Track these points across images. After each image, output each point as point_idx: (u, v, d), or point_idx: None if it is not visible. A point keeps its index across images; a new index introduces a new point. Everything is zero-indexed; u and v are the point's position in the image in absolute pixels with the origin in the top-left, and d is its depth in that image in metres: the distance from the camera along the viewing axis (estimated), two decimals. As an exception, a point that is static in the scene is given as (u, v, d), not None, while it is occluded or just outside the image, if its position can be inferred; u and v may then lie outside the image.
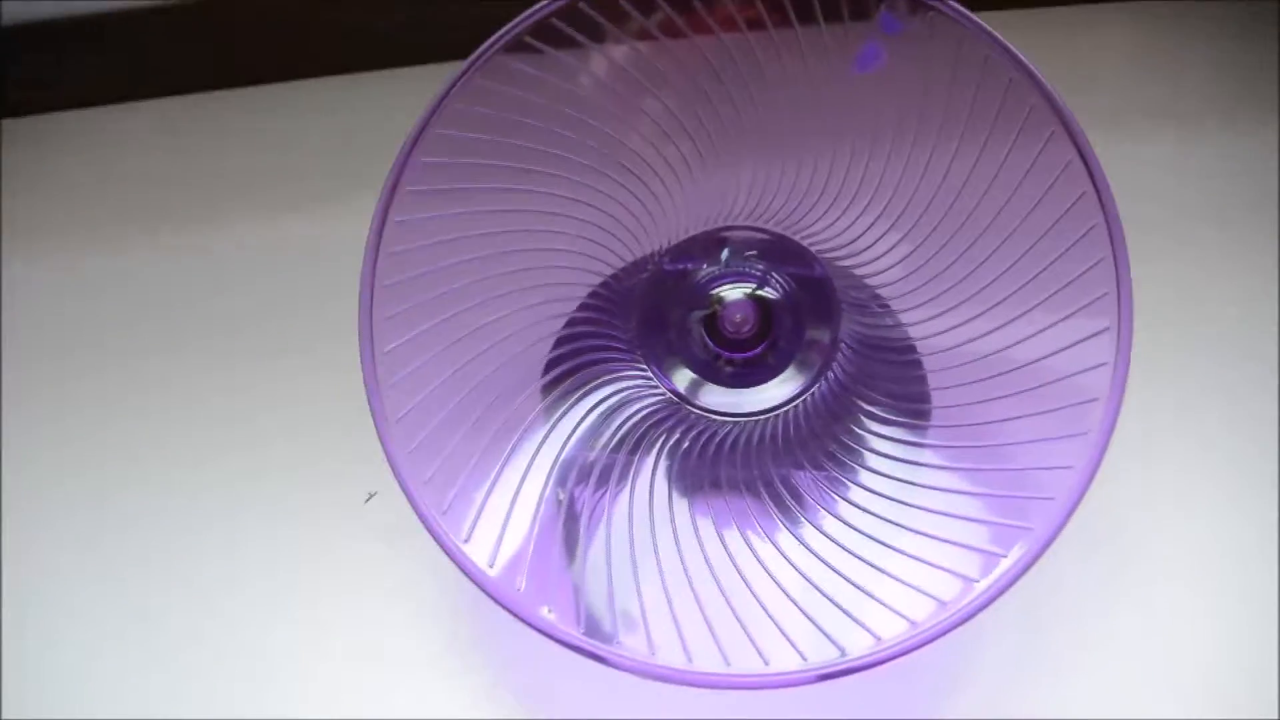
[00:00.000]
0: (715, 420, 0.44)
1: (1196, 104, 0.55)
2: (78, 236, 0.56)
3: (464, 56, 0.39)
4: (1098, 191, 0.38)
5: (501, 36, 0.39)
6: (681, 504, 0.42)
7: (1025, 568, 0.37)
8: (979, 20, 0.38)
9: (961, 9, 0.38)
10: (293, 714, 0.46)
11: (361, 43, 0.57)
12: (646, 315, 0.44)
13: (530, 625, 0.38)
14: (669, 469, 0.42)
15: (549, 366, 0.43)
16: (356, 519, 0.48)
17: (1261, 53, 0.55)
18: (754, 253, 0.44)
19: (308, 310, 0.52)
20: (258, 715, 0.46)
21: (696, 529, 0.41)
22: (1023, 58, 0.38)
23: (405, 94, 0.41)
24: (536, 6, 0.39)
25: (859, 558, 0.39)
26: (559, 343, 0.43)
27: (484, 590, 0.38)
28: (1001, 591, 0.37)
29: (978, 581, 0.37)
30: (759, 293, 0.44)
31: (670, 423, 0.43)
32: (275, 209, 0.56)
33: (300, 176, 0.56)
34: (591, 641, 0.38)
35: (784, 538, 0.41)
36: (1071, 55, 0.56)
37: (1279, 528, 0.46)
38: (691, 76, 0.41)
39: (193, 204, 0.56)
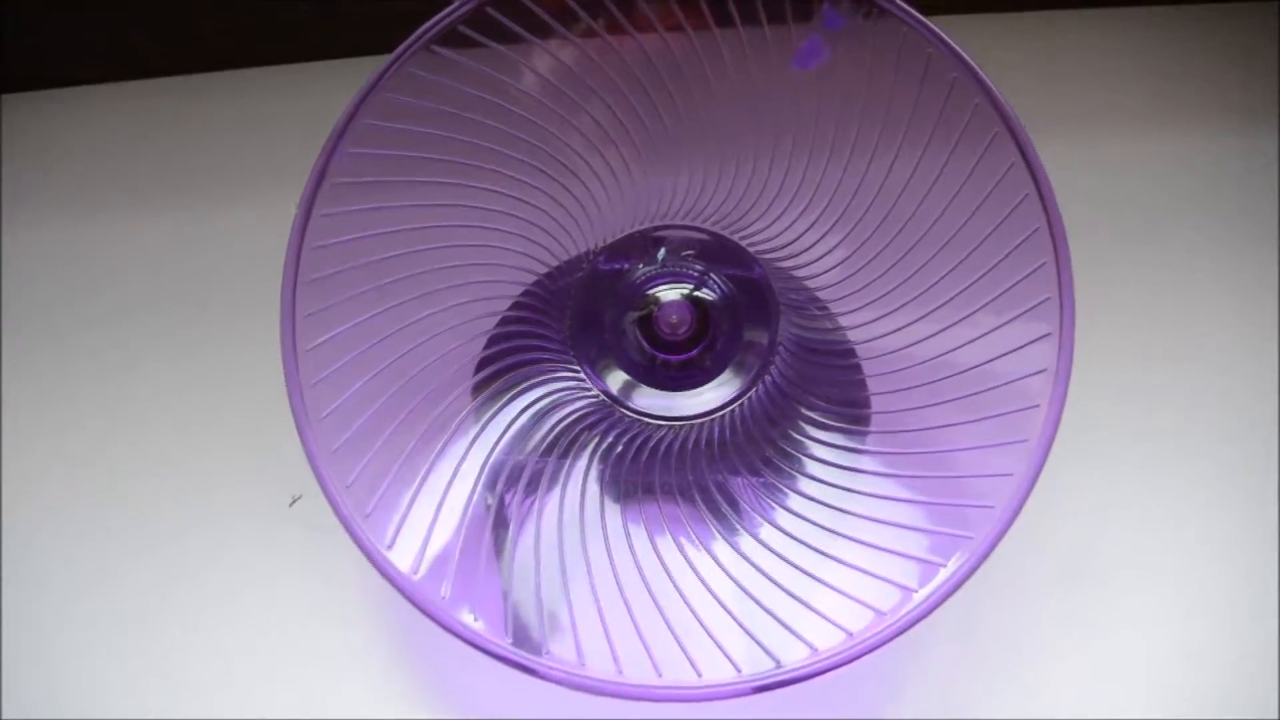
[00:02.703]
0: (650, 424, 0.43)
1: (1155, 109, 0.55)
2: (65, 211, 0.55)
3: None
4: (1040, 194, 0.37)
5: (434, 25, 0.38)
6: (614, 510, 0.41)
7: (965, 577, 0.36)
8: (921, 17, 0.37)
9: (905, 6, 0.37)
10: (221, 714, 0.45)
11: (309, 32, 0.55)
12: (581, 315, 0.43)
13: (454, 634, 0.37)
14: (601, 474, 0.41)
15: (480, 366, 0.42)
16: (282, 521, 0.47)
17: (1250, 55, 0.55)
18: (691, 253, 0.43)
19: (228, 304, 0.51)
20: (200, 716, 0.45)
21: (629, 536, 0.40)
22: (966, 56, 0.37)
23: (339, 86, 0.40)
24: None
25: (796, 567, 0.38)
26: (491, 342, 0.42)
27: (407, 597, 0.37)
28: (940, 601, 0.36)
29: (916, 591, 0.37)
30: (696, 294, 0.43)
31: (603, 426, 0.42)
32: (199, 199, 0.54)
33: (225, 166, 0.54)
34: (518, 652, 0.37)
35: (719, 546, 0.40)
36: (1039, 60, 0.55)
37: (1220, 533, 0.46)
38: (631, 73, 0.40)
39: (124, 192, 0.54)
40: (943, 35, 0.37)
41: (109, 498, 0.48)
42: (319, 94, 0.53)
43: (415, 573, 0.37)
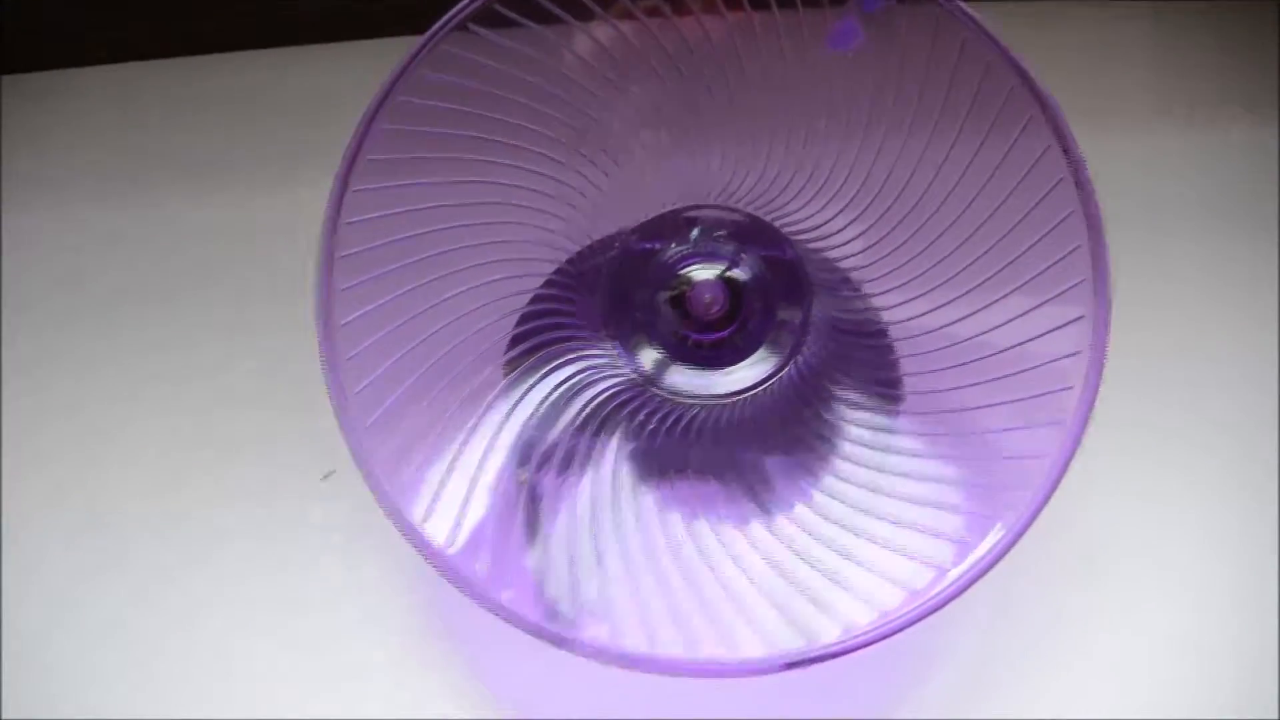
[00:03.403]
0: (682, 402, 0.43)
1: (1186, 100, 0.55)
2: (70, 193, 0.55)
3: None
4: (1076, 178, 0.37)
5: (471, 3, 0.38)
6: (647, 488, 0.41)
7: (998, 556, 0.36)
8: (958, 1, 0.37)
9: (940, -11, 0.37)
10: (250, 708, 0.44)
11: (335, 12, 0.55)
12: (614, 294, 0.43)
13: (489, 608, 0.37)
14: (634, 451, 0.41)
15: (512, 343, 0.42)
16: (314, 497, 0.47)
17: (1252, 50, 0.55)
18: (724, 233, 0.43)
19: (262, 280, 0.51)
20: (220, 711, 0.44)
21: (661, 513, 0.40)
22: (1000, 41, 0.37)
23: (371, 64, 0.40)
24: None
25: (828, 545, 0.39)
26: (523, 319, 0.42)
27: (442, 572, 0.37)
28: (973, 580, 0.36)
29: (950, 570, 0.37)
30: (729, 274, 0.43)
31: (636, 404, 0.42)
32: (232, 177, 0.54)
33: (260, 145, 0.54)
34: (552, 625, 0.37)
35: (752, 524, 0.40)
36: (1061, 50, 0.55)
37: (1230, 523, 0.46)
38: (667, 54, 0.40)
39: (144, 172, 0.54)
40: (978, 19, 0.37)
41: (121, 483, 0.48)
42: (337, 74, 0.54)
43: (450, 547, 0.38)
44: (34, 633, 0.46)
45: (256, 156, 0.54)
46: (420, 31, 0.38)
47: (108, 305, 0.52)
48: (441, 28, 0.38)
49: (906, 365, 0.41)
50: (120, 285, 0.52)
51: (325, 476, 0.47)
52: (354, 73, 0.42)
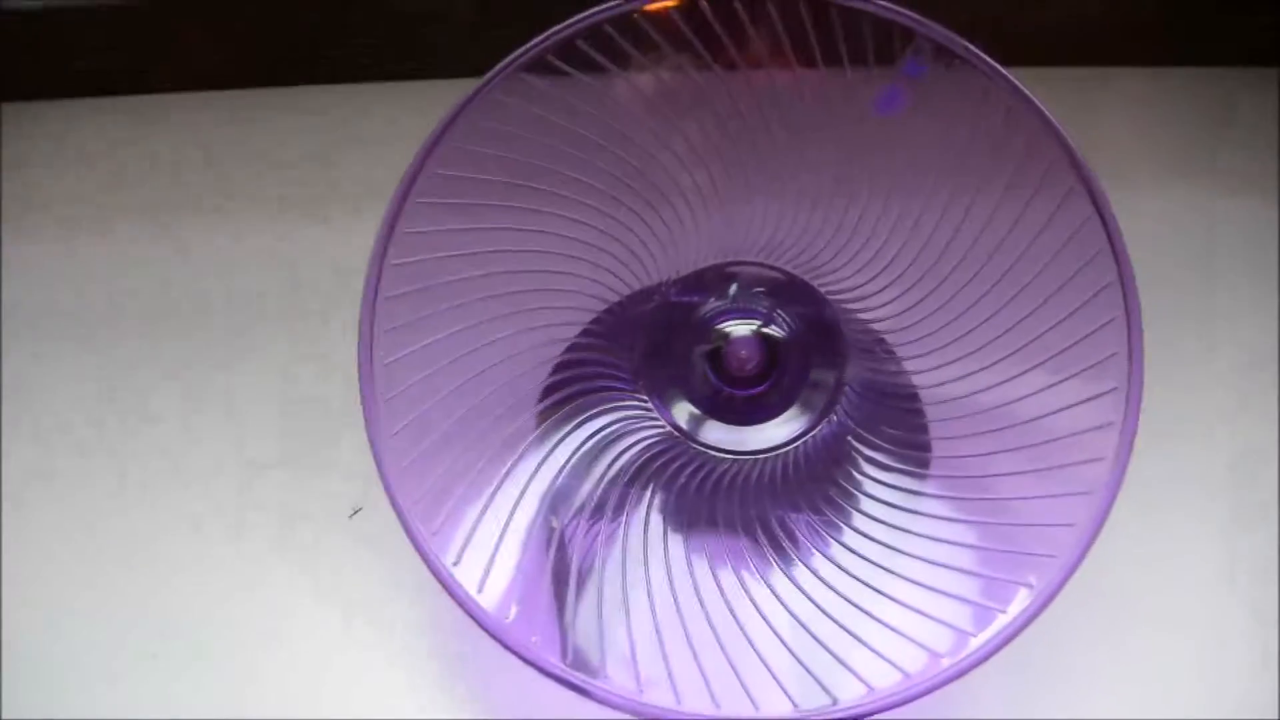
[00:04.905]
0: (714, 457, 0.43)
1: (1203, 166, 0.55)
2: (78, 223, 0.54)
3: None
4: (1114, 250, 0.38)
5: (524, 53, 0.38)
6: (676, 540, 0.41)
7: (1023, 625, 0.37)
8: (1003, 71, 0.38)
9: (986, 59, 0.38)
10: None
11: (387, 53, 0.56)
12: (650, 346, 0.44)
13: (517, 655, 0.37)
14: (665, 504, 0.42)
15: (547, 392, 0.42)
16: (342, 534, 0.47)
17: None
18: (763, 290, 0.44)
19: (306, 318, 0.51)
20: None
21: (690, 567, 0.40)
22: (1045, 111, 0.38)
23: (423, 106, 0.41)
24: (559, 26, 0.38)
25: (855, 605, 0.39)
26: (559, 368, 0.42)
27: (472, 617, 0.38)
28: (999, 647, 0.37)
29: (974, 636, 0.37)
30: (765, 331, 0.44)
31: (668, 457, 0.43)
32: (280, 213, 0.54)
33: (309, 183, 0.54)
34: (578, 675, 0.37)
35: (780, 581, 0.40)
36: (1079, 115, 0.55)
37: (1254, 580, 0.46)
38: (714, 110, 0.41)
39: (189, 202, 0.54)
40: (1022, 88, 0.38)
41: (178, 496, 0.49)
42: (388, 116, 0.54)
43: (481, 592, 0.38)
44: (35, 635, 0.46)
45: (307, 194, 0.54)
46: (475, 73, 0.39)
47: (149, 330, 0.52)
48: (494, 76, 0.39)
49: (937, 430, 0.42)
50: (175, 317, 0.52)
51: (353, 514, 0.47)
52: (410, 114, 0.42)
